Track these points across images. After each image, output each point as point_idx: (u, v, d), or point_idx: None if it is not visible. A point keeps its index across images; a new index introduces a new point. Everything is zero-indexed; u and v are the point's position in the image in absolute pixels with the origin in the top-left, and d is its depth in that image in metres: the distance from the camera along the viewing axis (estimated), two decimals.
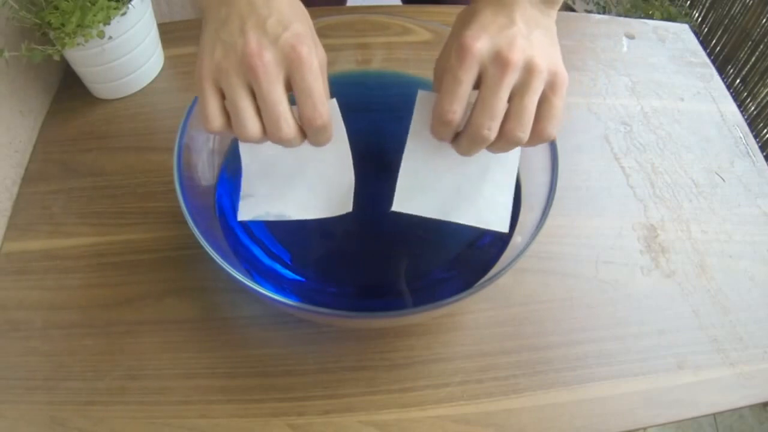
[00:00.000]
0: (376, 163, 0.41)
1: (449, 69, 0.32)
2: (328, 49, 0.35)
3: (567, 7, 1.68)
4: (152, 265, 0.47)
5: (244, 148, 0.43)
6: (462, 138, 0.33)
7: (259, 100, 0.31)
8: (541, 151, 0.42)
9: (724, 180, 0.56)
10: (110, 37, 0.51)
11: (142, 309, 0.45)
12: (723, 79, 0.65)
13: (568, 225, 0.51)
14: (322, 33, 0.35)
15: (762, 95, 1.29)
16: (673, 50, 0.67)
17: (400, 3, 0.86)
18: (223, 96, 0.32)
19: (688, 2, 1.54)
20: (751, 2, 1.30)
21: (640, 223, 0.52)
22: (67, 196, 0.51)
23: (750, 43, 1.31)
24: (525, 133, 0.32)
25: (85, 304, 0.45)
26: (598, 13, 1.63)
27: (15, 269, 0.47)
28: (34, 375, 0.42)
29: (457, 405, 0.41)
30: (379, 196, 0.39)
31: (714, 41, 1.45)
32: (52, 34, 0.49)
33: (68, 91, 0.59)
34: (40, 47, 0.49)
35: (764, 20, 1.26)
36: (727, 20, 1.39)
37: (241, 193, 0.41)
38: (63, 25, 0.48)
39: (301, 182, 0.40)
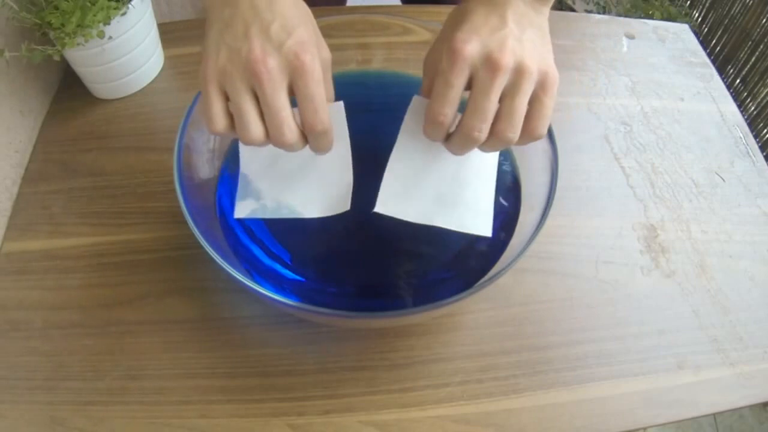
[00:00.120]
0: (376, 163, 0.41)
1: (441, 72, 0.32)
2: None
3: (567, 7, 1.68)
4: (152, 265, 0.47)
5: (243, 147, 0.43)
6: (454, 138, 0.34)
7: (263, 106, 0.32)
8: (541, 151, 0.42)
9: (724, 180, 0.56)
10: (110, 37, 0.51)
11: (142, 309, 0.45)
12: (723, 79, 0.65)
13: (568, 225, 0.51)
14: (322, 33, 0.35)
15: (762, 95, 1.29)
16: (673, 50, 0.67)
17: (399, 3, 0.86)
18: (226, 98, 0.32)
19: (688, 2, 1.54)
20: (751, 2, 1.30)
21: (640, 223, 0.52)
22: (67, 196, 0.51)
23: (750, 43, 1.31)
24: (515, 133, 0.32)
25: (85, 304, 0.45)
26: (598, 13, 1.63)
27: (15, 269, 0.47)
28: (34, 375, 0.42)
29: (457, 405, 0.41)
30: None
31: (714, 41, 1.45)
32: (52, 34, 0.49)
33: (68, 91, 0.59)
34: (40, 47, 0.49)
35: (764, 20, 1.26)
36: (727, 20, 1.39)
37: (238, 191, 0.41)
38: (63, 25, 0.48)
39: (299, 181, 0.40)
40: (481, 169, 0.40)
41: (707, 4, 1.47)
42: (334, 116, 0.39)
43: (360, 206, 0.39)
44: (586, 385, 0.43)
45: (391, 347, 0.44)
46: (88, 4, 0.49)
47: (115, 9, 0.50)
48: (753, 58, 1.31)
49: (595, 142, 0.58)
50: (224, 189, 0.44)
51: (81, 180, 0.52)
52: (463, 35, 0.32)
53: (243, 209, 0.40)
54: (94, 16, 0.49)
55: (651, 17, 1.49)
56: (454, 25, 0.34)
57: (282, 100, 0.31)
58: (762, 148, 0.68)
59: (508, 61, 0.31)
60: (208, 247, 0.35)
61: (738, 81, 1.37)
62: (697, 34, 0.70)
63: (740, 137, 0.59)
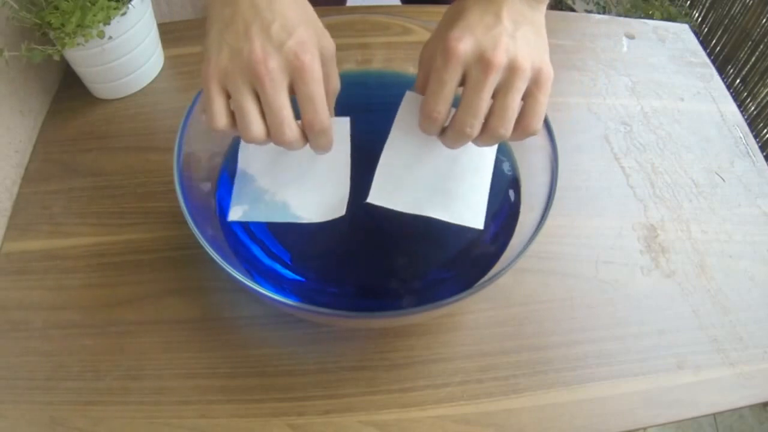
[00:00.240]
0: (376, 162, 0.41)
1: (435, 69, 0.33)
2: None
3: (567, 7, 1.68)
4: (152, 265, 0.47)
5: (243, 148, 0.43)
6: (448, 133, 0.35)
7: (264, 105, 0.32)
8: (541, 151, 0.42)
9: (724, 180, 0.56)
10: (110, 37, 0.51)
11: (142, 309, 0.45)
12: (723, 79, 0.65)
13: (568, 225, 0.51)
14: None
15: (762, 95, 1.29)
16: (673, 50, 0.67)
17: (399, 3, 0.86)
18: (228, 96, 0.33)
19: (688, 2, 1.54)
20: (751, 2, 1.30)
21: (640, 223, 0.52)
22: (67, 196, 0.51)
23: (750, 43, 1.31)
24: (507, 129, 0.33)
25: (85, 304, 0.45)
26: (598, 13, 1.62)
27: (15, 269, 0.47)
28: (34, 375, 0.42)
29: (457, 405, 0.41)
30: None
31: (714, 41, 1.45)
32: (52, 34, 0.49)
33: (68, 91, 0.59)
34: (40, 47, 0.49)
35: (764, 20, 1.26)
36: (727, 20, 1.39)
37: (234, 194, 0.41)
38: (63, 25, 0.48)
39: (296, 188, 0.41)
40: (476, 163, 0.41)
41: (707, 4, 1.47)
42: (339, 129, 0.41)
43: (360, 206, 0.39)
44: (586, 385, 0.43)
45: (391, 347, 0.44)
46: (88, 4, 0.49)
47: (115, 9, 0.50)
48: (753, 58, 1.31)
49: (595, 142, 0.58)
50: (224, 189, 0.44)
51: (81, 180, 0.52)
52: (457, 33, 0.32)
53: (236, 212, 0.40)
54: (94, 16, 0.49)
55: (651, 17, 1.49)
56: (449, 22, 0.35)
57: (282, 100, 0.32)
58: (762, 148, 0.68)
59: (500, 59, 0.32)
60: (208, 247, 0.35)
61: (738, 81, 1.37)
62: (697, 34, 0.70)
63: (740, 137, 0.59)
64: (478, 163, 0.41)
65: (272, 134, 0.33)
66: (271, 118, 0.32)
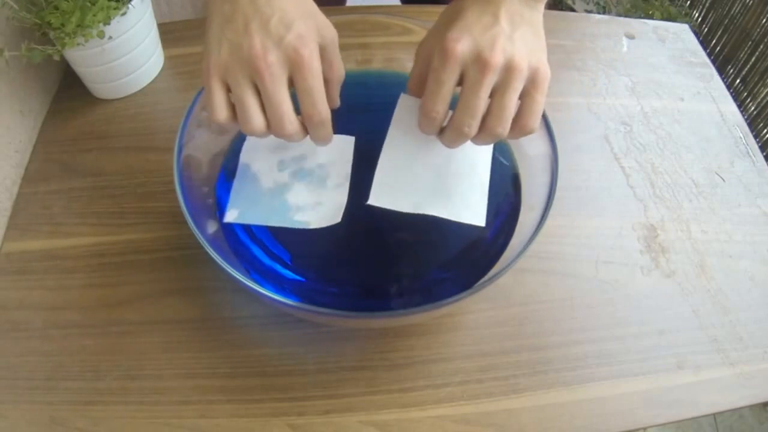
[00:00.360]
0: (376, 163, 0.41)
1: (433, 69, 0.34)
2: None
3: (567, 7, 1.68)
4: (152, 265, 0.47)
5: (245, 149, 0.43)
6: (446, 132, 0.36)
7: (264, 99, 0.33)
8: (541, 151, 0.42)
9: (724, 180, 0.56)
10: (110, 37, 0.51)
11: (142, 309, 0.45)
12: (723, 79, 0.65)
13: (568, 225, 0.51)
14: None
15: (762, 95, 1.29)
16: (673, 50, 0.67)
17: (399, 3, 0.86)
18: (228, 90, 0.34)
19: (688, 2, 1.54)
20: (751, 2, 1.30)
21: (640, 223, 0.52)
22: (67, 196, 0.51)
23: (750, 43, 1.31)
24: (504, 129, 0.34)
25: (85, 304, 0.45)
26: (598, 13, 1.63)
27: (15, 269, 0.47)
28: (34, 375, 0.42)
29: (457, 405, 0.41)
30: None
31: (714, 41, 1.45)
32: (52, 34, 0.49)
33: (68, 91, 0.59)
34: (40, 47, 0.49)
35: (764, 20, 1.26)
36: (727, 20, 1.39)
37: (231, 196, 0.41)
38: (63, 25, 0.48)
39: (294, 193, 0.41)
40: (474, 162, 0.41)
41: (707, 4, 1.47)
42: (342, 147, 0.42)
43: (360, 207, 0.39)
44: (586, 385, 0.43)
45: (391, 347, 0.44)
46: (88, 4, 0.49)
47: (115, 9, 0.50)
48: (753, 58, 1.31)
49: (595, 142, 0.58)
50: (224, 189, 0.44)
51: (81, 180, 0.52)
52: (455, 34, 0.33)
53: (233, 214, 0.41)
54: (94, 16, 0.49)
55: (651, 17, 1.49)
56: (447, 22, 0.35)
57: (282, 94, 0.33)
58: (762, 148, 0.68)
59: (497, 60, 0.32)
60: (208, 247, 0.35)
61: (738, 81, 1.37)
62: (697, 34, 0.70)
63: (740, 137, 0.59)
64: (476, 161, 0.41)
65: (272, 127, 0.34)
66: (271, 112, 0.33)
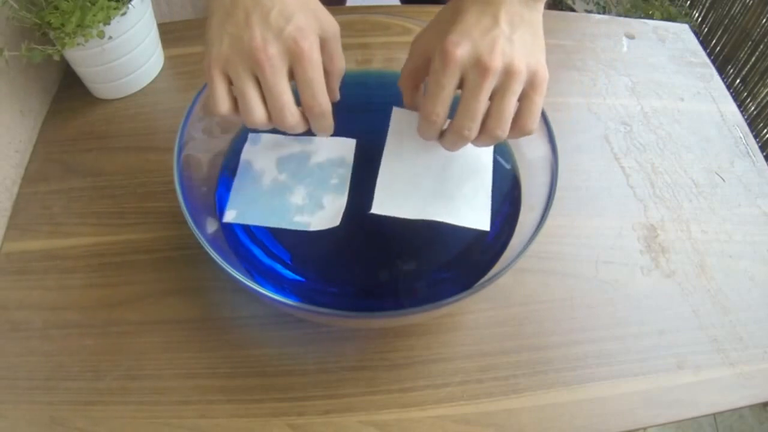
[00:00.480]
0: (377, 163, 0.41)
1: (433, 72, 0.34)
2: None
3: (567, 7, 1.68)
4: (152, 265, 0.47)
5: (246, 152, 0.44)
6: (447, 135, 0.36)
7: (265, 91, 0.33)
8: (541, 151, 0.42)
9: (724, 180, 0.56)
10: (110, 37, 0.51)
11: (142, 309, 0.45)
12: (723, 79, 0.65)
13: (568, 225, 0.51)
14: None
15: (762, 95, 1.29)
16: (673, 50, 0.67)
17: (399, 3, 0.86)
18: (230, 82, 0.34)
19: (688, 2, 1.54)
20: (751, 2, 1.30)
21: (640, 223, 0.52)
22: (67, 196, 0.51)
23: (750, 43, 1.31)
24: (504, 130, 0.34)
25: (85, 304, 0.45)
26: (598, 13, 1.63)
27: (15, 269, 0.47)
28: (34, 375, 0.42)
29: (457, 405, 0.41)
30: None
31: (714, 41, 1.45)
32: (52, 34, 0.49)
33: (68, 91, 0.59)
34: (40, 47, 0.49)
35: (764, 20, 1.26)
36: (727, 20, 1.39)
37: (231, 194, 0.41)
38: (63, 25, 0.48)
39: (292, 195, 0.41)
40: (475, 165, 0.41)
41: (707, 4, 1.47)
42: (343, 149, 0.43)
43: (360, 206, 0.39)
44: (586, 385, 0.43)
45: (391, 347, 0.44)
46: (88, 4, 0.49)
47: (115, 9, 0.50)
48: (753, 58, 1.31)
49: (595, 142, 0.58)
50: (224, 189, 0.44)
51: (81, 180, 0.52)
52: (455, 38, 0.33)
53: (231, 214, 0.41)
54: (94, 16, 0.49)
55: (651, 17, 1.49)
56: (447, 22, 0.35)
57: (282, 85, 0.33)
58: (762, 148, 0.68)
59: (497, 64, 0.32)
60: (208, 247, 0.35)
61: (738, 81, 1.37)
62: (697, 34, 0.70)
63: (740, 137, 0.59)
64: (477, 165, 0.41)
65: (273, 118, 0.34)
66: (272, 103, 0.34)
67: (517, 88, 0.33)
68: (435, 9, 0.66)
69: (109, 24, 0.50)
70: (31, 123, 0.55)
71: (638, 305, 0.47)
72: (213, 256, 0.35)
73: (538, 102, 0.34)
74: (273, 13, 0.33)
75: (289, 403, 0.41)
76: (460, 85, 0.34)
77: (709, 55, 0.72)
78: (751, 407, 1.13)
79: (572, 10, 1.67)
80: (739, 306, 0.48)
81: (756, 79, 1.30)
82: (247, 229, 0.42)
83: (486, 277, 0.39)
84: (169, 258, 0.47)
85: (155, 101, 0.58)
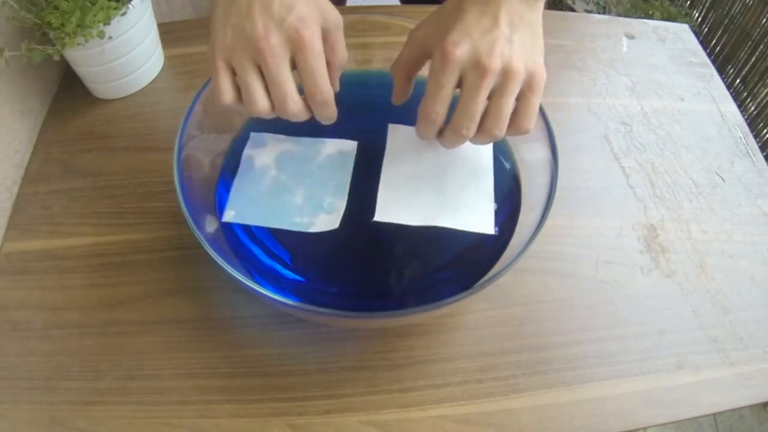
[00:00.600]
0: (377, 163, 0.41)
1: (433, 72, 0.34)
2: None
3: (567, 7, 1.68)
4: (152, 265, 0.47)
5: (246, 152, 0.44)
6: (445, 134, 0.36)
7: (268, 80, 0.34)
8: (541, 151, 0.42)
9: (724, 180, 0.56)
10: (110, 37, 0.51)
11: (142, 309, 0.45)
12: (723, 79, 0.64)
13: (568, 225, 0.51)
14: None
15: (762, 95, 1.29)
16: (673, 50, 0.67)
17: (399, 3, 0.86)
18: (233, 72, 0.35)
19: (688, 2, 1.54)
20: (751, 2, 1.30)
21: (640, 223, 0.52)
22: (67, 196, 0.51)
23: (750, 43, 1.31)
24: (501, 130, 0.35)
25: (85, 304, 0.45)
26: (598, 13, 1.63)
27: (15, 269, 0.47)
28: (34, 375, 0.42)
29: (457, 405, 0.41)
30: None
31: (714, 41, 1.45)
32: (52, 34, 0.49)
33: (68, 91, 0.59)
34: (40, 47, 0.49)
35: (764, 20, 1.26)
36: (727, 20, 1.39)
37: (231, 193, 0.41)
38: (63, 25, 0.48)
39: (292, 196, 0.41)
40: (477, 170, 0.41)
41: (707, 4, 1.47)
42: (344, 151, 0.43)
43: (361, 207, 0.39)
44: (586, 385, 0.43)
45: (391, 347, 0.44)
46: (88, 4, 0.49)
47: (115, 9, 0.50)
48: (753, 58, 1.31)
49: (595, 142, 0.58)
50: (224, 189, 0.44)
51: (81, 180, 0.52)
52: (455, 38, 0.33)
53: (230, 213, 0.41)
54: (94, 16, 0.49)
55: (651, 17, 1.49)
56: (448, 20, 0.35)
57: (285, 74, 0.34)
58: (762, 148, 0.68)
59: (495, 65, 0.33)
60: (208, 247, 0.35)
61: (738, 81, 1.37)
62: (697, 34, 0.70)
63: (740, 137, 0.59)
64: (478, 169, 0.41)
65: (276, 107, 0.35)
66: (274, 92, 0.34)
67: (514, 89, 0.34)
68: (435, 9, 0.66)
69: (109, 24, 0.50)
70: (31, 123, 0.55)
71: (638, 305, 0.47)
72: (213, 256, 0.35)
73: (535, 102, 0.35)
74: (275, 3, 0.33)
75: (289, 403, 0.41)
76: (459, 85, 0.34)
77: (709, 55, 0.72)
78: (751, 407, 1.12)
79: (572, 10, 1.67)
80: (739, 306, 0.48)
81: (756, 79, 1.30)
82: (247, 229, 0.42)
83: (486, 277, 0.39)
84: (169, 258, 0.47)
85: (155, 101, 0.58)
